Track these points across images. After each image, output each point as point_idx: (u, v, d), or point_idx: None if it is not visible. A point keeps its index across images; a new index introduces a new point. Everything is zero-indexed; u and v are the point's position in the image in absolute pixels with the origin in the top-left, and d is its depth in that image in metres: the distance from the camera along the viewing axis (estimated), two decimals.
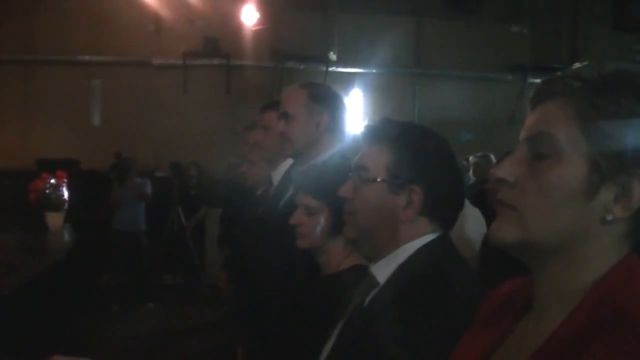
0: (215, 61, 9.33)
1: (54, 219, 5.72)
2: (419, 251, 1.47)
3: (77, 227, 5.91)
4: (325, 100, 2.48)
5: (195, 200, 8.43)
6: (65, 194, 6.01)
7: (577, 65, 8.84)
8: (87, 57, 8.99)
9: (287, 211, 2.18)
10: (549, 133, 0.93)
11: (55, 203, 5.82)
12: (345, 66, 9.48)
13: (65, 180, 6.06)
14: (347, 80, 9.37)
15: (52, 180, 6.00)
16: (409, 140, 1.52)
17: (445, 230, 1.53)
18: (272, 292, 2.29)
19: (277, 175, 2.89)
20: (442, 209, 1.51)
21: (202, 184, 8.55)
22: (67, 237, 5.52)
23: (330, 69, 9.36)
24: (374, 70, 9.60)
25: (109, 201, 7.80)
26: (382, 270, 1.48)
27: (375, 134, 1.56)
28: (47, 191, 5.92)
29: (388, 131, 1.54)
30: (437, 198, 1.48)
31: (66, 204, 5.89)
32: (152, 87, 9.12)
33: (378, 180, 1.50)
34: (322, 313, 1.78)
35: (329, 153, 2.45)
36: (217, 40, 9.15)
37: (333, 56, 9.06)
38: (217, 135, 8.90)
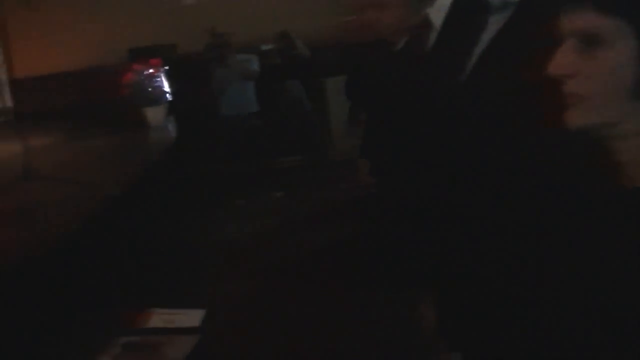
0: None
1: (154, 114, 5.21)
2: None
3: (182, 119, 5.39)
4: None
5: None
6: (165, 84, 5.52)
7: None
8: None
9: (505, 59, 1.17)
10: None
11: (153, 96, 5.31)
12: None
13: (162, 68, 5.53)
14: None
15: (149, 70, 5.50)
16: None
17: None
18: (494, 221, 1.19)
19: (439, 10, 1.80)
20: None
21: (314, 51, 7.58)
22: (170, 131, 4.97)
23: None
24: None
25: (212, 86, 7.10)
26: None
27: None
28: (143, 83, 5.41)
29: None
30: None
31: (166, 95, 5.38)
32: None
33: None
34: None
35: None
36: None
37: None
38: None
